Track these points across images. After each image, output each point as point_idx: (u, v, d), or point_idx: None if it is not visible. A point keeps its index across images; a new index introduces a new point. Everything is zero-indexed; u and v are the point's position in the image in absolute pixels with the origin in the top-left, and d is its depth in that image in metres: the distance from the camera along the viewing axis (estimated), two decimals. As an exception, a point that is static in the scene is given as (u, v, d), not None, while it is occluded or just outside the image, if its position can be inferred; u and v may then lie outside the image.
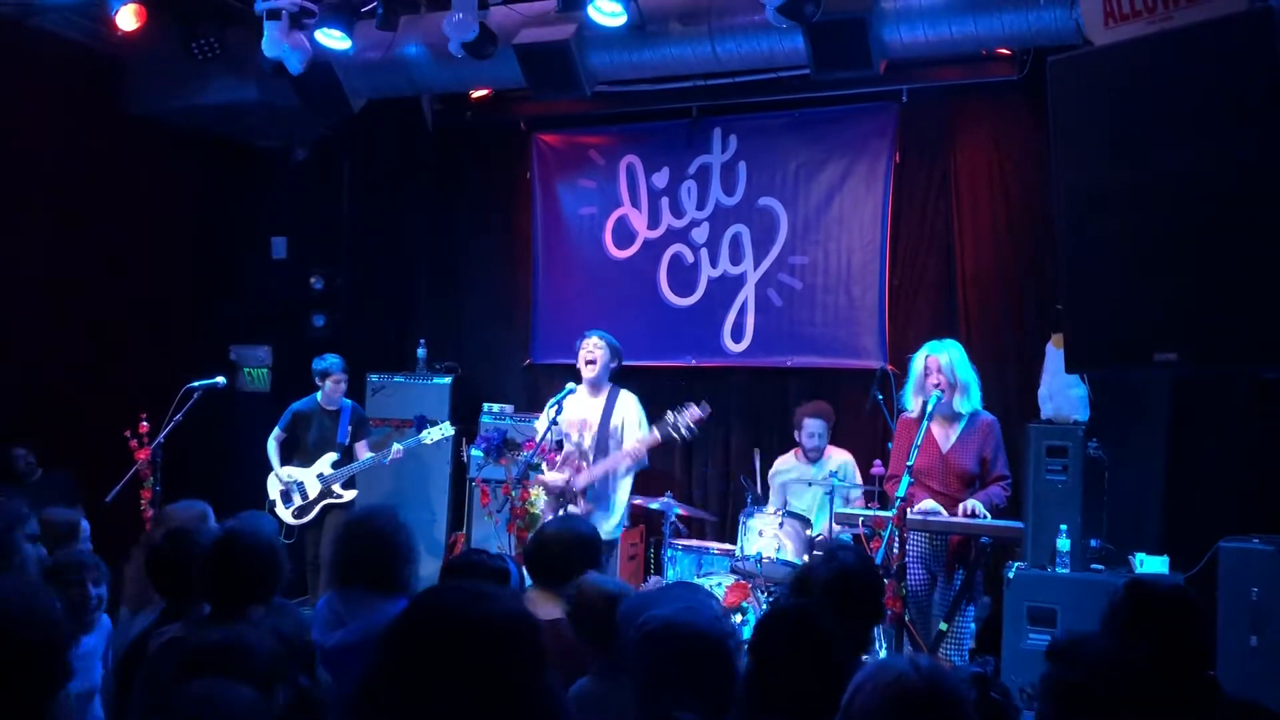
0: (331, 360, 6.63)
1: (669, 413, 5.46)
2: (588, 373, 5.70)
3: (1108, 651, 2.39)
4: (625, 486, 5.69)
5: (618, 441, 5.62)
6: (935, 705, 1.70)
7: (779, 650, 2.37)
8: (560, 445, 5.70)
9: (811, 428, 6.06)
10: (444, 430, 6.59)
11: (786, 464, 6.22)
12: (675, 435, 5.43)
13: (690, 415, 5.40)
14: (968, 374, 5.12)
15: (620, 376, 5.86)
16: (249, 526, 3.17)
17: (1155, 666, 2.45)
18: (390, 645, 1.67)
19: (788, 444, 6.38)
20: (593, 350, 5.69)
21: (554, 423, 5.63)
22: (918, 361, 5.19)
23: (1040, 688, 2.33)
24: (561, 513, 5.42)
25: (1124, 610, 2.60)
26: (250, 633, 2.29)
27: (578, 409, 5.73)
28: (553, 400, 5.74)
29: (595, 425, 5.66)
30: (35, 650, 1.99)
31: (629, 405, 5.69)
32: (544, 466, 5.57)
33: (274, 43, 6.03)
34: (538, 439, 5.57)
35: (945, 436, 5.16)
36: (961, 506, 5.00)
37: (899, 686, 1.72)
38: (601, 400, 5.71)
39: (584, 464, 5.62)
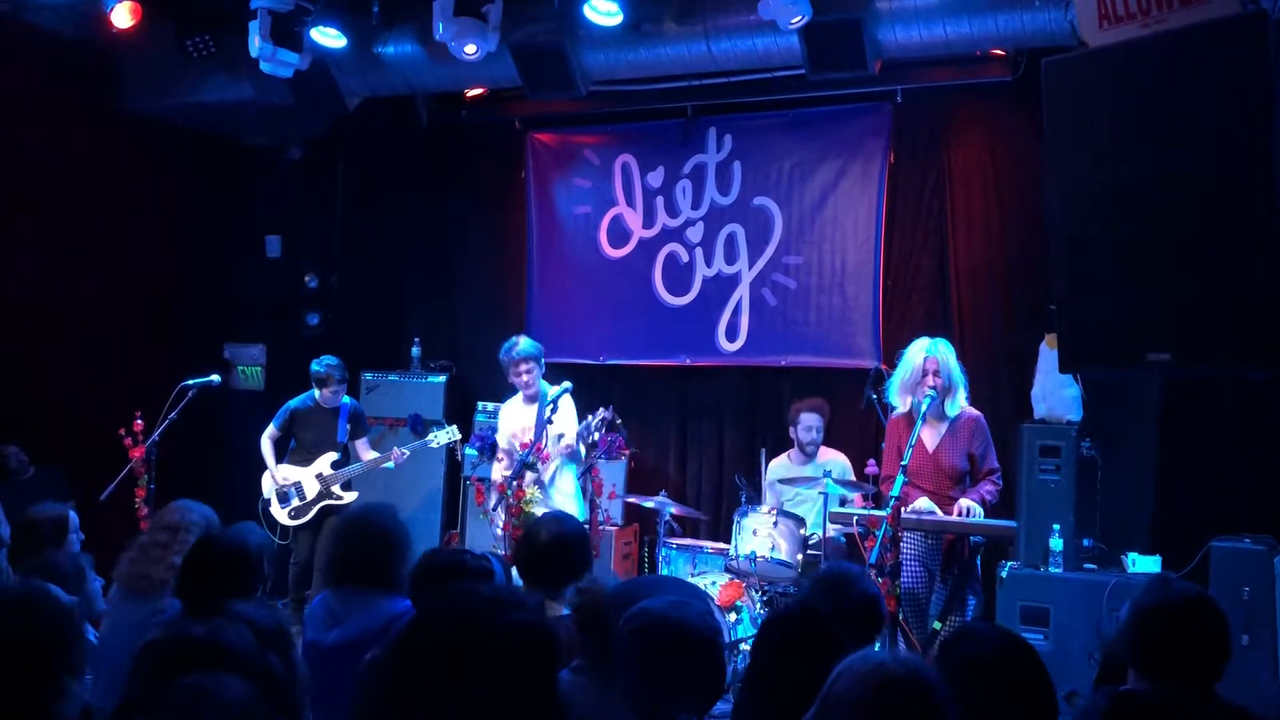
0: (329, 367, 6.40)
1: (587, 415, 5.72)
2: (528, 391, 5.93)
3: (988, 647, 2.31)
4: (563, 487, 5.78)
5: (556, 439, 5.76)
6: (916, 690, 1.73)
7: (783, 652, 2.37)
8: (557, 441, 5.72)
9: (808, 422, 6.07)
10: (450, 434, 6.55)
11: (781, 465, 6.22)
12: (587, 439, 5.69)
13: (596, 419, 5.67)
14: (959, 374, 5.14)
15: (605, 374, 5.96)
16: (230, 531, 3.26)
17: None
18: (404, 648, 1.66)
19: (781, 443, 6.39)
20: (524, 373, 5.88)
21: (548, 422, 5.64)
22: (915, 357, 5.11)
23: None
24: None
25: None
26: (228, 629, 2.27)
27: (518, 418, 5.94)
28: (550, 398, 5.74)
29: (531, 428, 5.79)
30: (35, 646, 2.00)
31: (562, 407, 5.75)
32: (538, 465, 5.57)
33: (269, 41, 6.03)
34: (530, 438, 5.57)
35: (932, 436, 5.17)
36: (957, 506, 5.01)
37: (881, 673, 1.74)
38: (534, 406, 5.88)
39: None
